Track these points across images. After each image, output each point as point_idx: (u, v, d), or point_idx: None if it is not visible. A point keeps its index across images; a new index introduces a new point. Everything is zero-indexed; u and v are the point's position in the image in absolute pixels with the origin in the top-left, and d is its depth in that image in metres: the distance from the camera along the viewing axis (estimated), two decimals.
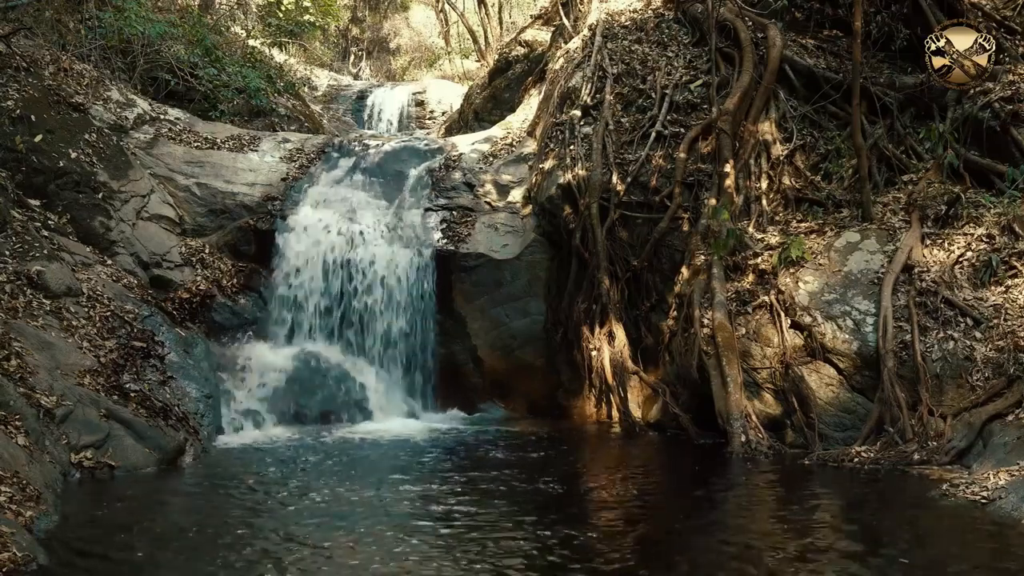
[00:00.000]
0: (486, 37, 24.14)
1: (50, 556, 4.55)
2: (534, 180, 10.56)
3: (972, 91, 8.97)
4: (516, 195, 10.71)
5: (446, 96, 21.25)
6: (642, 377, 9.33)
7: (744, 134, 9.62)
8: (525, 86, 14.00)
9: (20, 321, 7.15)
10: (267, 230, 10.19)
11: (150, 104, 11.48)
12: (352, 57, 29.48)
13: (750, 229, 8.98)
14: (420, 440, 8.53)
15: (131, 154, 10.27)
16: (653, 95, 10.34)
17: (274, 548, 4.97)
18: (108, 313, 8.03)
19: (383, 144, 11.95)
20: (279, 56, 18.90)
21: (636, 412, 9.32)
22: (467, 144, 11.88)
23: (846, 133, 9.49)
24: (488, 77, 17.40)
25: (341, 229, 10.17)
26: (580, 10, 13.47)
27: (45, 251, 8.15)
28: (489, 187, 10.82)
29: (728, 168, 9.24)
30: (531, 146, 11.40)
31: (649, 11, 11.88)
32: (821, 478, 6.71)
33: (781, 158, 9.60)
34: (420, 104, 21.04)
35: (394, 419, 9.44)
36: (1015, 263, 7.57)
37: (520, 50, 16.55)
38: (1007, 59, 9.20)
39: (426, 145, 12.07)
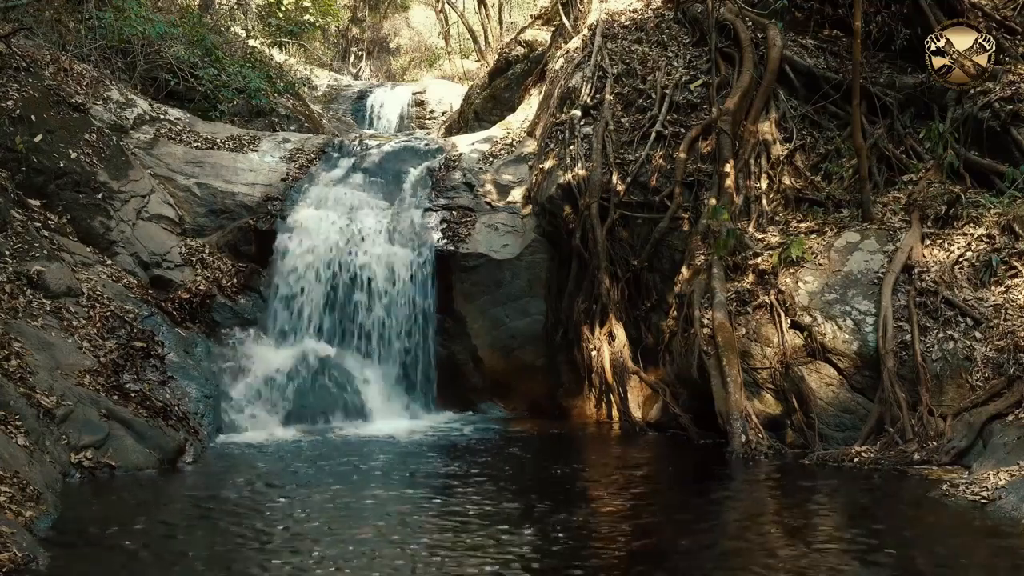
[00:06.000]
0: (486, 37, 24.13)
1: (50, 556, 4.55)
2: (534, 180, 10.56)
3: (972, 91, 8.96)
4: (516, 195, 10.71)
5: (446, 96, 21.25)
6: (642, 377, 9.33)
7: (744, 134, 9.62)
8: (525, 86, 13.99)
9: (20, 321, 7.15)
10: (267, 230, 10.19)
11: (150, 104, 11.47)
12: (352, 57, 29.47)
13: (750, 229, 8.98)
14: (419, 440, 8.53)
15: (131, 154, 10.26)
16: (653, 95, 10.34)
17: (274, 549, 4.97)
18: (108, 313, 8.03)
19: (383, 144, 11.95)
20: (279, 56, 18.91)
21: (636, 412, 9.32)
22: (467, 144, 11.87)
23: (846, 133, 9.49)
24: (488, 77, 17.40)
25: (341, 229, 10.16)
26: (580, 10, 13.46)
27: (45, 251, 8.15)
28: (489, 187, 10.82)
29: (728, 168, 9.24)
30: (531, 146, 11.40)
31: (649, 11, 11.88)
32: (821, 478, 6.71)
33: (781, 158, 9.60)
34: (420, 104, 21.05)
35: (394, 419, 9.43)
36: (1015, 263, 7.57)
37: (520, 50, 16.55)
38: (1007, 59, 9.20)
39: (426, 145, 12.06)
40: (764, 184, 9.49)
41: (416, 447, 8.25)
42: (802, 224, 8.96)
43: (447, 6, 27.27)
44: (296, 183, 10.71)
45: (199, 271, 9.75)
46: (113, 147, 9.96)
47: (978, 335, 7.23)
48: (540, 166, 10.52)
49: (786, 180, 9.53)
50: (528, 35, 16.84)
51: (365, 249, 10.09)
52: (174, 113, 11.59)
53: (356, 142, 11.96)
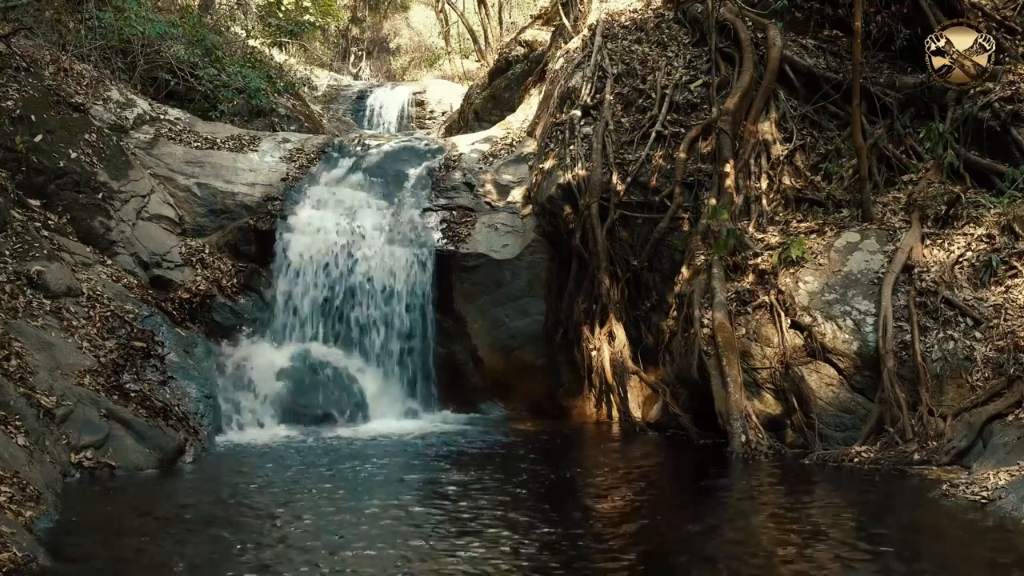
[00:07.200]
0: (486, 37, 24.13)
1: (50, 556, 4.54)
2: (534, 180, 10.56)
3: (972, 91, 8.96)
4: (516, 195, 10.71)
5: (446, 96, 21.26)
6: (642, 377, 9.33)
7: (744, 134, 9.62)
8: (525, 86, 13.99)
9: (20, 321, 7.15)
10: (267, 230, 10.19)
11: (150, 104, 11.47)
12: (352, 57, 29.47)
13: (750, 229, 8.98)
14: (419, 440, 8.52)
15: (131, 154, 10.26)
16: (653, 95, 10.34)
17: (272, 550, 4.97)
18: (108, 313, 8.03)
19: (383, 144, 11.95)
20: (279, 56, 18.91)
21: (636, 412, 9.32)
22: (467, 144, 11.88)
23: (846, 133, 9.49)
24: (488, 77, 17.40)
25: (341, 229, 10.17)
26: (580, 10, 13.46)
27: (45, 251, 8.15)
28: (489, 187, 10.82)
29: (728, 168, 9.24)
30: (531, 146, 11.40)
31: (649, 11, 11.88)
32: (821, 478, 6.71)
33: (781, 158, 9.60)
34: (420, 104, 21.05)
35: (393, 419, 9.44)
36: (1015, 263, 7.57)
37: (520, 50, 16.56)
38: (1007, 59, 9.20)
39: (426, 145, 12.06)
40: (764, 184, 9.50)
41: (415, 447, 8.25)
42: (802, 224, 8.96)
43: (447, 6, 27.26)
44: (296, 183, 10.71)
45: (199, 271, 9.75)
46: (113, 147, 9.96)
47: (978, 335, 7.23)
48: (540, 166, 10.52)
49: (786, 180, 9.53)
50: (528, 35, 16.84)
51: (365, 249, 10.10)
52: (174, 113, 11.59)
53: (356, 142, 11.96)
